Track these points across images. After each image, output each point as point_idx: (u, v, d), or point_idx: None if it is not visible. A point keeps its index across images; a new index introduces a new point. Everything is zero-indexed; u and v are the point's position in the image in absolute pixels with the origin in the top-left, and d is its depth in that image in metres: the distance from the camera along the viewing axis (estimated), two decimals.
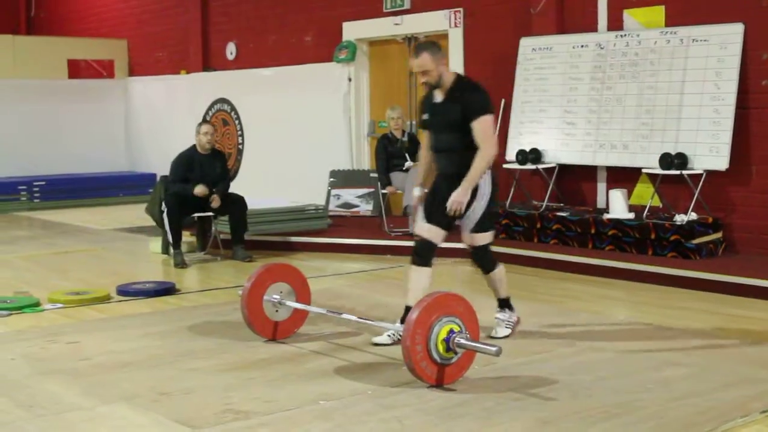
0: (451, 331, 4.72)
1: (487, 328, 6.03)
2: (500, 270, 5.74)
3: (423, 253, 5.50)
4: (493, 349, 4.70)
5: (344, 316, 5.48)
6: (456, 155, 5.47)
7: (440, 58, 5.54)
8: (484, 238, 5.58)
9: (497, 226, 9.10)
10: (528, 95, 9.53)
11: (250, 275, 5.76)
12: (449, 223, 5.51)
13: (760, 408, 4.36)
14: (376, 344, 5.51)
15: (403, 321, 5.48)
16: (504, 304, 5.81)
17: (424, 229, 5.52)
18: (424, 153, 5.81)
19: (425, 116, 5.70)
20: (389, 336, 5.53)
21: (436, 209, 5.49)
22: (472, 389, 4.70)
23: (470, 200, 5.42)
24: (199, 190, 8.80)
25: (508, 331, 5.73)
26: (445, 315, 4.74)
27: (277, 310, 5.74)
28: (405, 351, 4.67)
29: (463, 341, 4.74)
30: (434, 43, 5.66)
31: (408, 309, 5.47)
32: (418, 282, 5.46)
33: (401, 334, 5.44)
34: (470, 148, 5.41)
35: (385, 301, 6.72)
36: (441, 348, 4.71)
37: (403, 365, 4.70)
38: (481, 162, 5.37)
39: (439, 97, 5.59)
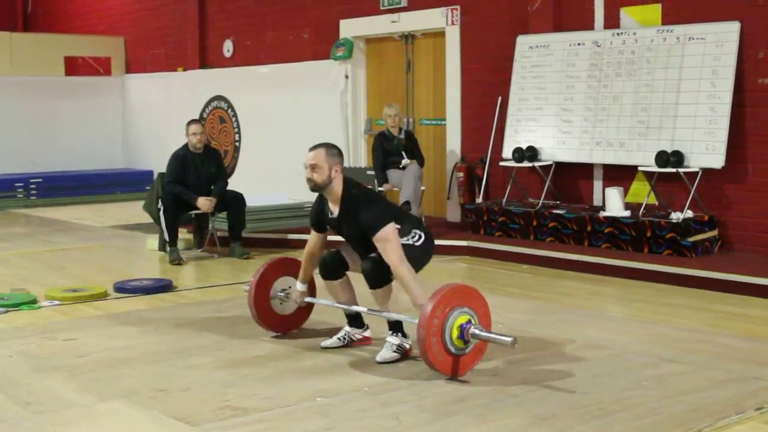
0: (468, 322, 4.75)
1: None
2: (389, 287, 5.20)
3: (332, 266, 5.39)
4: (508, 339, 4.72)
5: (353, 308, 5.46)
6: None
7: (335, 162, 5.16)
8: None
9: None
10: (525, 93, 9.55)
11: (255, 271, 5.76)
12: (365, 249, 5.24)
13: (755, 405, 4.38)
14: (325, 348, 5.46)
15: (350, 324, 5.54)
16: (397, 325, 5.24)
17: (346, 248, 5.39)
18: (305, 257, 5.53)
19: (322, 219, 5.36)
20: (339, 339, 5.51)
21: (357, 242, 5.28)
22: (469, 386, 4.71)
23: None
24: (202, 203, 8.80)
25: (396, 356, 5.17)
26: (459, 306, 4.77)
27: (281, 303, 5.75)
28: (420, 343, 4.69)
29: (477, 332, 4.77)
30: (335, 146, 5.28)
31: (348, 316, 5.52)
32: (339, 298, 5.47)
33: (351, 337, 5.48)
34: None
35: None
36: (456, 339, 4.73)
37: (414, 358, 4.71)
38: (408, 287, 4.94)
39: (334, 209, 5.27)
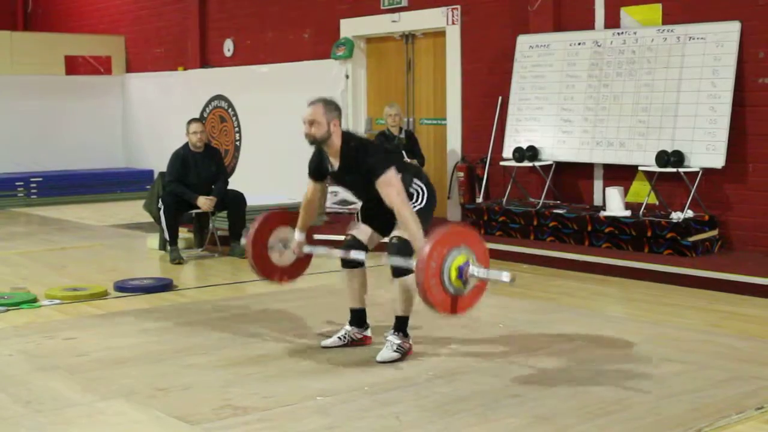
0: (466, 262, 4.75)
1: (479, 324, 6.06)
2: (412, 280, 5.04)
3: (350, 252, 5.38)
4: (506, 277, 4.73)
5: (352, 254, 5.40)
6: (380, 203, 5.14)
7: (333, 117, 5.20)
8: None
9: (496, 225, 9.14)
10: (525, 93, 9.55)
11: (252, 223, 5.75)
12: (383, 227, 5.29)
13: (755, 404, 4.38)
14: (325, 347, 5.46)
15: (351, 323, 5.53)
16: (401, 325, 5.25)
17: (356, 228, 5.38)
18: (304, 205, 5.53)
19: (322, 170, 5.37)
20: (339, 338, 5.51)
21: (374, 213, 5.28)
22: (469, 386, 4.72)
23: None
24: (203, 202, 8.80)
25: (396, 356, 5.18)
26: (456, 247, 4.77)
27: (280, 255, 5.73)
28: (419, 285, 4.68)
29: (476, 272, 4.77)
30: (333, 101, 5.32)
31: (353, 311, 5.51)
32: (352, 284, 5.45)
33: (352, 336, 5.48)
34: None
35: (383, 296, 6.73)
36: (455, 279, 4.74)
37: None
38: (408, 226, 4.96)
39: (334, 163, 5.29)
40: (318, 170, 5.43)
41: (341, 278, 5.56)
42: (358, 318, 5.52)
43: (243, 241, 5.76)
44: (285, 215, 5.79)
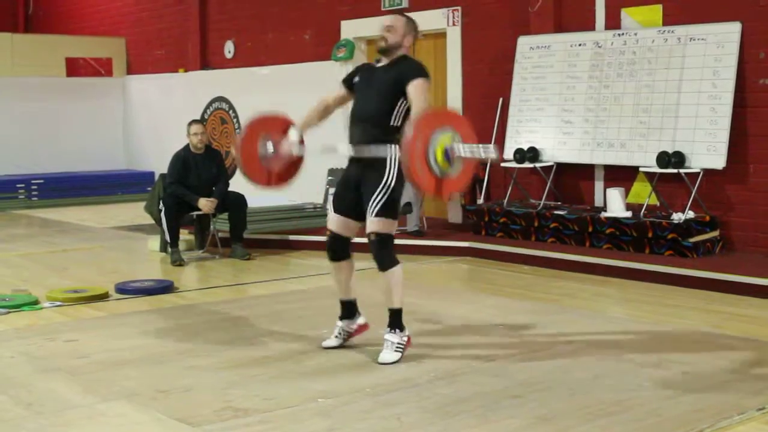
0: (451, 144, 4.76)
1: (480, 325, 6.06)
2: (399, 271, 5.20)
3: (334, 247, 5.42)
4: (490, 149, 4.78)
5: (340, 149, 5.43)
6: (372, 126, 5.21)
7: (410, 32, 5.31)
8: (388, 225, 5.18)
9: (498, 227, 9.14)
10: (526, 94, 9.55)
11: (242, 127, 5.75)
12: (356, 210, 5.30)
13: (757, 405, 4.38)
14: (327, 347, 5.48)
15: (342, 317, 5.53)
16: (395, 321, 5.22)
17: (332, 221, 5.40)
18: (319, 103, 5.62)
19: (356, 78, 5.45)
20: (336, 337, 5.51)
21: (344, 194, 5.34)
22: (470, 387, 4.72)
23: (378, 181, 5.16)
24: (203, 204, 8.80)
25: (398, 356, 5.17)
26: (441, 128, 4.77)
27: (269, 158, 5.70)
28: (405, 167, 4.72)
29: (461, 150, 4.78)
30: (413, 20, 5.41)
31: (343, 303, 5.52)
32: (339, 276, 5.46)
33: (346, 330, 5.48)
34: (388, 125, 5.17)
35: (380, 298, 6.73)
36: (441, 160, 4.75)
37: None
38: (419, 110, 5.04)
39: (383, 61, 5.37)
40: (352, 81, 5.47)
41: (330, 271, 5.55)
42: (348, 309, 5.52)
43: (233, 150, 5.76)
44: (272, 120, 5.75)
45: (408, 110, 5.18)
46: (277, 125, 5.66)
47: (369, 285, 6.02)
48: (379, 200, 5.15)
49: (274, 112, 5.79)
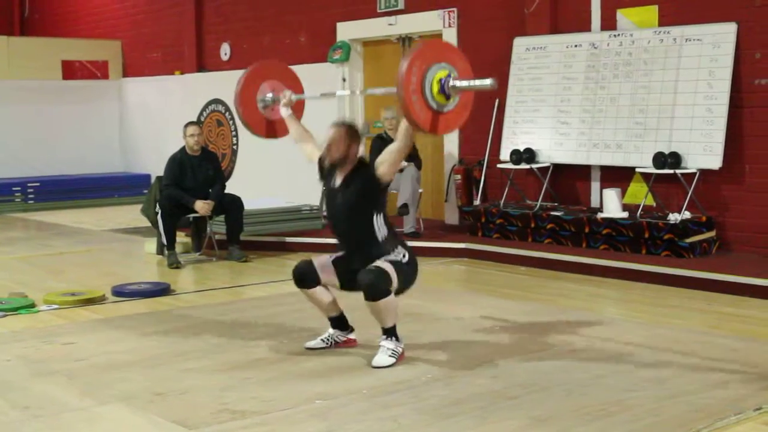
0: (447, 76, 4.75)
1: (476, 326, 6.06)
2: (392, 298, 5.07)
3: (305, 277, 5.33)
4: (488, 82, 4.79)
5: (338, 93, 5.45)
6: (363, 253, 5.13)
7: (353, 141, 5.22)
8: (392, 279, 5.03)
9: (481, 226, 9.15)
10: (522, 95, 9.55)
11: (239, 77, 5.75)
12: (351, 281, 5.17)
13: (754, 405, 4.38)
14: (309, 348, 5.48)
15: (334, 327, 5.52)
16: (390, 331, 5.16)
17: (322, 268, 5.29)
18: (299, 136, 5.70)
19: (324, 177, 5.37)
20: (323, 340, 5.51)
21: (345, 274, 5.22)
22: (468, 388, 4.71)
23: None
24: (200, 206, 8.80)
25: (392, 360, 5.11)
26: (436, 62, 4.75)
27: (271, 108, 5.72)
28: (401, 102, 4.68)
29: (457, 83, 4.76)
30: (355, 127, 5.35)
31: (331, 319, 5.49)
32: (314, 300, 5.42)
33: (335, 338, 5.48)
34: (378, 244, 5.11)
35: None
36: (437, 94, 4.72)
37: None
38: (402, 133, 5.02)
39: (338, 179, 5.27)
40: (321, 168, 5.41)
41: (305, 296, 5.47)
42: (338, 322, 5.52)
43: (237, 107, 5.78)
44: (269, 68, 5.78)
45: (385, 218, 5.17)
46: (273, 75, 5.69)
47: None
48: (394, 262, 5.08)
49: (269, 61, 5.84)
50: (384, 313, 5.08)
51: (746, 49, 7.99)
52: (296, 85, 5.94)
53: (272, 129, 5.84)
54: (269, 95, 5.76)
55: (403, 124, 5.01)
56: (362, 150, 5.34)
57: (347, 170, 5.25)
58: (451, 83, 4.77)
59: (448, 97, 4.77)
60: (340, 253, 5.36)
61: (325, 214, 5.48)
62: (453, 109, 4.83)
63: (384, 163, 5.14)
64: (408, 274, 5.14)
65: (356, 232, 5.20)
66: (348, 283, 5.26)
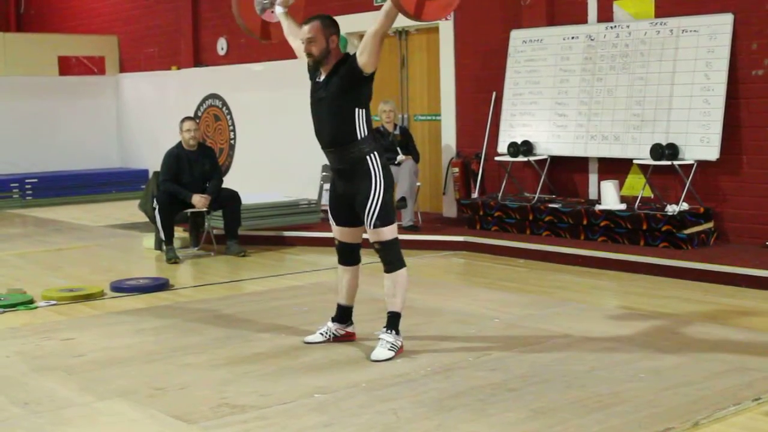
0: None
1: (475, 319, 6.07)
2: (405, 274, 5.22)
3: (344, 254, 5.44)
4: None
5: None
6: (342, 151, 5.15)
7: (331, 32, 5.18)
8: (388, 232, 5.19)
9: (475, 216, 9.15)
10: (519, 87, 9.55)
11: None
12: (356, 219, 5.28)
13: (752, 396, 4.39)
14: (308, 343, 5.49)
15: (335, 319, 5.54)
16: (393, 323, 5.21)
17: (337, 232, 5.42)
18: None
19: (311, 82, 5.32)
20: (321, 334, 5.52)
21: (340, 209, 5.34)
22: (466, 380, 4.72)
23: (367, 193, 5.14)
24: (197, 201, 8.79)
25: (391, 354, 5.12)
26: None
27: (270, 12, 5.79)
28: None
29: None
30: (329, 17, 5.30)
31: (339, 307, 5.52)
32: (344, 277, 5.47)
33: (334, 332, 5.49)
34: (356, 141, 5.11)
35: (378, 294, 6.73)
36: None
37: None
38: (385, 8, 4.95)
39: (322, 75, 5.22)
40: (308, 70, 5.37)
41: (337, 272, 5.56)
42: (342, 314, 5.53)
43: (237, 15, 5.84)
44: None
45: (367, 116, 5.16)
46: None
47: (367, 281, 6.02)
48: (374, 211, 5.15)
49: None
50: (398, 291, 5.17)
51: (743, 40, 7.99)
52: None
53: (267, 31, 5.92)
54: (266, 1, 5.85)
55: (387, 4, 4.94)
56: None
57: (331, 64, 5.21)
58: None
59: None
60: (330, 204, 5.43)
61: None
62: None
63: (364, 51, 5.06)
64: (387, 200, 5.17)
65: (338, 127, 5.14)
66: (353, 212, 5.27)
